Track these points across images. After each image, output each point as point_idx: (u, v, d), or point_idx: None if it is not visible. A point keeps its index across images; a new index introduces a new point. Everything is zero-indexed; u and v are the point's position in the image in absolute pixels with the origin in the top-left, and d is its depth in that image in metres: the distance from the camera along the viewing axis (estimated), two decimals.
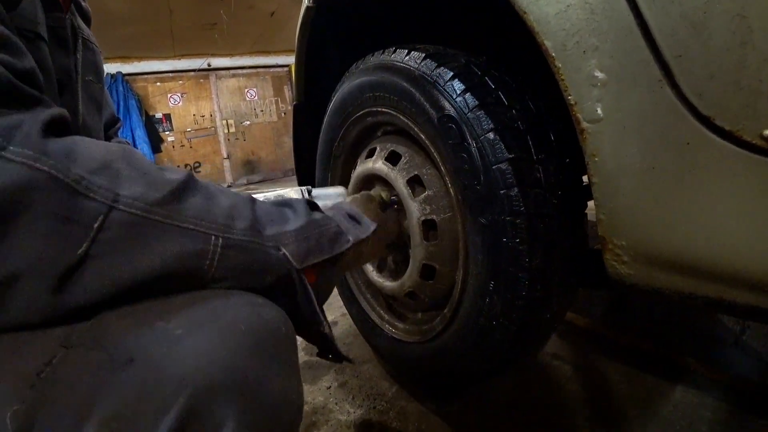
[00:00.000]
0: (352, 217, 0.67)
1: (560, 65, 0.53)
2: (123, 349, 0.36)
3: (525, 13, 0.56)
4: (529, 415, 0.97)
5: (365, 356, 1.27)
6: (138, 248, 0.40)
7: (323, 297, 0.59)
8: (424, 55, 0.78)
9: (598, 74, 0.50)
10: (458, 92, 0.70)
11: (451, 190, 0.76)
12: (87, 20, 0.77)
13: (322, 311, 0.57)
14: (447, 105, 0.71)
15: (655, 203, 0.50)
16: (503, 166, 0.65)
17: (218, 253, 0.45)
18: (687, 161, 0.47)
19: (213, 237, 0.44)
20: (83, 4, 0.76)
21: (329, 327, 0.58)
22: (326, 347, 0.61)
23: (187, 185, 0.45)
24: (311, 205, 0.60)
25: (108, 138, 0.88)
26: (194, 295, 0.43)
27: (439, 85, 0.73)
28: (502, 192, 0.65)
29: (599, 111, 0.51)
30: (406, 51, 0.82)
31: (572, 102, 0.53)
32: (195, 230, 0.43)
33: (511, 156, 0.65)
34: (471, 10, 0.92)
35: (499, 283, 0.70)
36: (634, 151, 0.50)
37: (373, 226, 0.68)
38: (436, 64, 0.75)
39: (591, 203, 0.72)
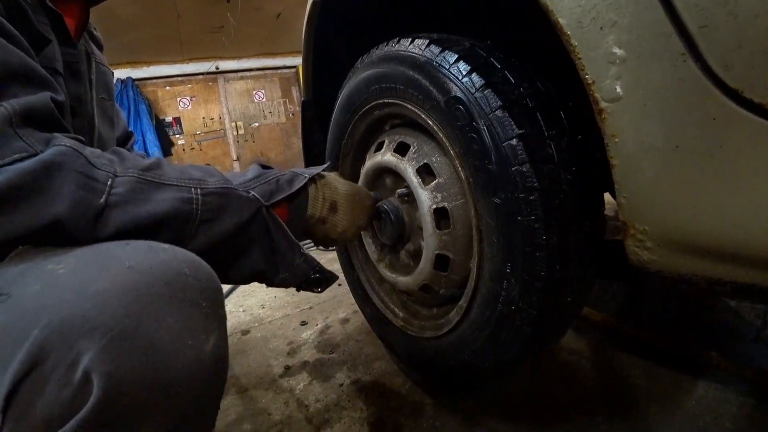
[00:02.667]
0: (307, 169, 0.78)
1: (576, 43, 0.51)
2: (4, 286, 0.40)
3: None
4: (546, 411, 0.95)
5: (377, 353, 1.26)
6: (141, 198, 0.51)
7: (295, 231, 0.69)
8: (427, 41, 0.78)
9: (617, 51, 0.48)
10: (464, 73, 0.70)
11: (462, 174, 0.74)
12: (99, 47, 0.90)
13: (298, 243, 0.68)
14: (453, 87, 0.71)
15: (680, 184, 0.48)
16: (514, 142, 0.64)
17: (200, 200, 0.56)
18: (714, 138, 0.44)
19: (193, 189, 0.56)
20: (95, 33, 0.90)
21: (306, 252, 0.69)
22: (309, 271, 0.70)
23: (162, 162, 0.58)
24: (264, 167, 0.72)
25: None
26: (99, 244, 0.47)
27: (444, 68, 0.72)
28: (514, 169, 0.64)
29: (618, 89, 0.49)
30: (410, 40, 0.82)
31: (589, 81, 0.51)
32: (178, 185, 0.55)
33: (521, 131, 0.64)
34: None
35: (516, 265, 0.68)
36: (656, 129, 0.48)
37: (325, 166, 0.80)
38: (440, 49, 0.75)
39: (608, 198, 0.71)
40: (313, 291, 0.74)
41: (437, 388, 1.06)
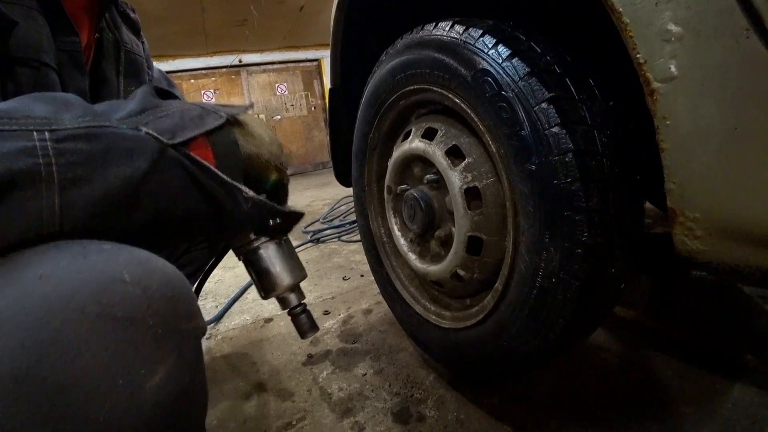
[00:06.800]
0: (223, 105, 0.59)
1: (628, 20, 0.49)
2: None
3: None
4: (574, 409, 0.93)
5: (401, 344, 1.25)
6: None
7: (232, 175, 0.52)
8: (451, 23, 0.80)
9: (673, 28, 0.46)
10: (490, 46, 0.71)
11: (493, 148, 0.73)
12: (135, 31, 0.82)
13: (236, 184, 0.51)
14: (479, 60, 0.72)
15: (737, 168, 0.45)
16: (545, 105, 0.64)
17: (51, 148, 0.36)
18: None
19: (35, 132, 0.36)
20: (132, 15, 0.81)
21: (252, 194, 0.53)
22: (266, 216, 0.56)
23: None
24: (165, 94, 0.54)
25: None
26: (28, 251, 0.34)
27: (470, 44, 0.74)
28: (547, 132, 0.63)
29: (673, 69, 0.47)
30: (434, 24, 0.84)
31: (641, 60, 0.48)
32: (2, 130, 0.35)
33: (551, 95, 0.64)
34: None
35: (555, 232, 0.65)
36: (713, 111, 0.45)
37: (248, 106, 0.62)
38: (464, 28, 0.77)
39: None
40: (278, 239, 0.61)
41: (462, 381, 1.04)
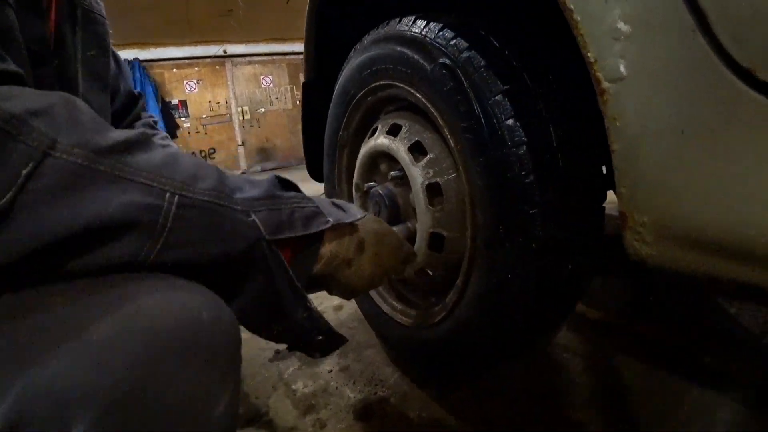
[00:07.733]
0: (336, 205, 0.60)
1: (579, 18, 0.48)
2: None
3: None
4: (537, 407, 0.93)
5: (369, 341, 1.24)
6: (75, 199, 0.34)
7: (301, 279, 0.52)
8: (414, 17, 0.80)
9: (622, 26, 0.45)
10: (449, 39, 0.71)
11: (452, 142, 0.73)
12: None
13: (305, 294, 0.51)
14: (439, 54, 0.72)
15: (683, 172, 0.45)
16: (499, 98, 0.64)
17: (173, 212, 0.39)
18: (723, 122, 0.41)
19: (168, 193, 0.39)
20: None
21: (314, 307, 0.52)
22: (313, 332, 0.53)
23: (141, 141, 0.40)
24: (288, 185, 0.55)
25: (135, 118, 0.83)
26: (104, 279, 0.37)
27: (430, 38, 0.74)
28: (501, 124, 0.63)
29: (622, 68, 0.46)
30: (398, 20, 0.84)
31: (592, 59, 0.48)
32: (147, 184, 0.38)
33: (506, 87, 0.64)
34: None
35: (510, 227, 0.65)
36: (659, 112, 0.45)
37: (360, 214, 0.61)
38: (425, 22, 0.77)
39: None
40: (310, 356, 0.58)
41: (426, 380, 1.04)
